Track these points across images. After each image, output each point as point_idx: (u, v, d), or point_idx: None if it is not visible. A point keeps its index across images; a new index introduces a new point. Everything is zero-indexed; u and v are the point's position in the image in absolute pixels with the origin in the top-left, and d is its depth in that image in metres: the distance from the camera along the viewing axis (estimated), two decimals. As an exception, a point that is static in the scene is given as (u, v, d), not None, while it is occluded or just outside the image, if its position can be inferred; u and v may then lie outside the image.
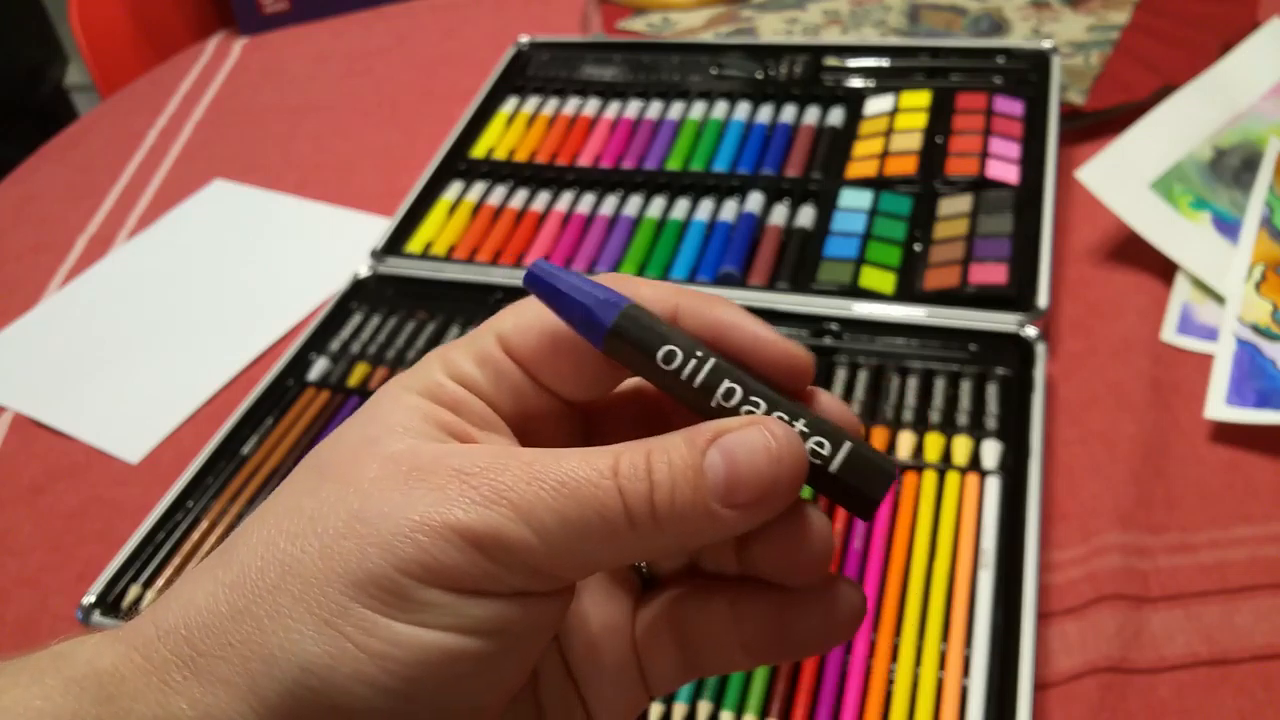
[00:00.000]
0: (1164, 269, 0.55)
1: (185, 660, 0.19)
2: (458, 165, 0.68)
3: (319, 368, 0.57)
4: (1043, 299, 0.51)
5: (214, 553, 0.20)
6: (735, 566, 0.22)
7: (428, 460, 0.19)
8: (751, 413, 0.19)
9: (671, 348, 0.19)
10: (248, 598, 0.19)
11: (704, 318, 0.20)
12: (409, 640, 0.18)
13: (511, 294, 0.59)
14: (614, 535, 0.19)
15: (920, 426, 0.48)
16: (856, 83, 0.68)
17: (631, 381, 0.23)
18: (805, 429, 0.19)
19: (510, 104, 0.73)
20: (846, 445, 0.19)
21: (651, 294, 0.21)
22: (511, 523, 0.18)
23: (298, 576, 0.19)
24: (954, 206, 0.57)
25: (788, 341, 0.20)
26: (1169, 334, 0.52)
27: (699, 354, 0.20)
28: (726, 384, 0.19)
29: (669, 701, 0.39)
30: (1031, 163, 0.59)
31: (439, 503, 0.18)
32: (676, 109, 0.69)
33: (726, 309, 0.20)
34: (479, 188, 0.66)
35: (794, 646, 0.21)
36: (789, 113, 0.67)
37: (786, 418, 0.19)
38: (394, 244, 0.63)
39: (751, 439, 0.19)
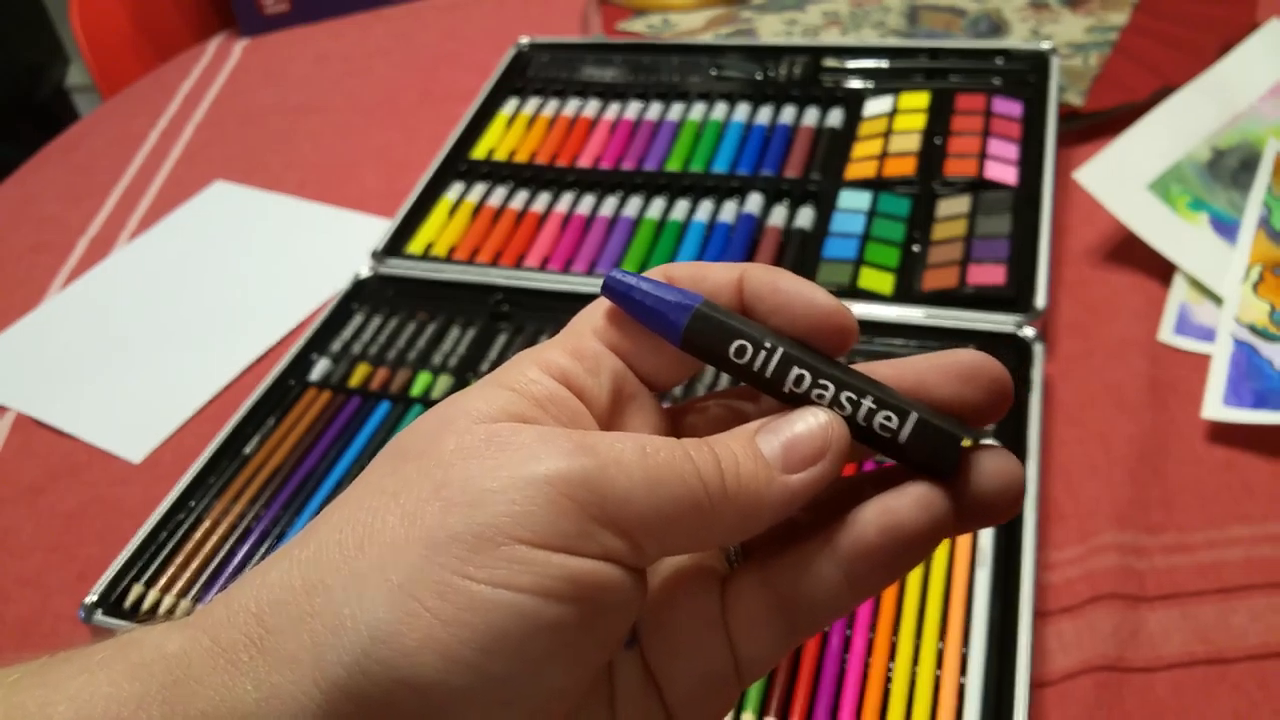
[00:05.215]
0: (1162, 270, 0.55)
1: (254, 640, 0.18)
2: (458, 166, 0.68)
3: (320, 368, 0.57)
4: (1041, 300, 0.51)
5: (295, 537, 0.20)
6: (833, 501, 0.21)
7: (506, 431, 0.19)
8: (822, 395, 0.21)
9: (742, 342, 0.21)
10: (323, 569, 0.18)
11: (763, 278, 0.22)
12: (487, 603, 0.17)
13: (511, 294, 0.59)
14: (694, 503, 0.19)
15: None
16: (855, 84, 0.68)
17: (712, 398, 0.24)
18: (872, 405, 0.20)
19: (510, 105, 0.73)
20: (913, 417, 0.20)
21: (720, 274, 0.22)
22: (601, 470, 0.18)
23: (376, 544, 0.18)
24: (952, 207, 0.58)
25: (835, 303, 0.21)
26: (1166, 334, 0.52)
27: (768, 345, 0.21)
28: (796, 371, 0.21)
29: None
30: (1030, 164, 0.59)
31: (526, 460, 0.18)
32: (676, 110, 0.69)
33: (783, 276, 0.22)
34: (479, 189, 0.66)
35: (902, 547, 0.20)
36: (788, 114, 0.67)
37: (854, 396, 0.20)
38: (395, 245, 0.63)
39: (794, 416, 0.20)
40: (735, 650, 0.21)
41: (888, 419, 0.20)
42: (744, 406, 0.23)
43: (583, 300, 0.23)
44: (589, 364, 0.21)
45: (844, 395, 0.20)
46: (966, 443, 0.21)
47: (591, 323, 0.22)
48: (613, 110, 0.70)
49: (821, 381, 0.21)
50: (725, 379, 0.51)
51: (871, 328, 0.53)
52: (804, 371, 0.21)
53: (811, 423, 0.20)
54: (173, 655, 0.18)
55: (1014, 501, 0.21)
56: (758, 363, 0.21)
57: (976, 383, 0.21)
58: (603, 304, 0.22)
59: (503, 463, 0.18)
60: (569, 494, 0.18)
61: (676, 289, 0.21)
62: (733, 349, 0.21)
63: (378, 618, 0.17)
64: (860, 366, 0.22)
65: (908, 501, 0.20)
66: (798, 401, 0.21)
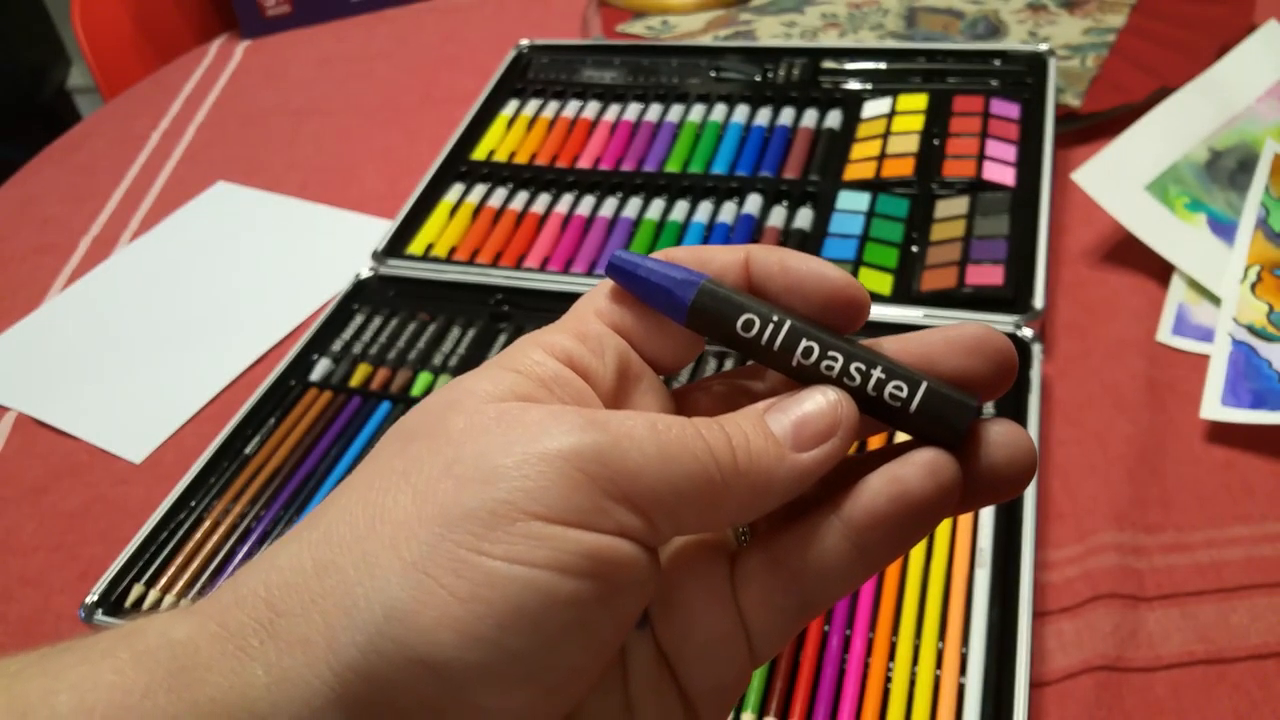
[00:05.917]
0: (1160, 270, 0.55)
1: (263, 624, 0.18)
2: (459, 167, 0.68)
3: (321, 368, 0.57)
4: (1039, 300, 0.51)
5: (303, 520, 0.19)
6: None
7: (516, 409, 0.19)
8: (831, 367, 0.21)
9: (749, 316, 0.21)
10: (334, 550, 0.18)
11: (769, 258, 0.22)
12: (502, 579, 0.17)
13: (511, 295, 0.59)
14: (706, 479, 0.19)
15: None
16: (854, 85, 0.68)
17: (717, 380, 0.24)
18: (882, 375, 0.20)
19: (511, 106, 0.73)
20: (924, 385, 0.20)
21: (725, 255, 0.22)
22: (614, 445, 0.18)
23: (388, 522, 0.18)
24: (951, 208, 0.58)
25: (847, 277, 0.21)
26: (1164, 335, 0.52)
27: (775, 318, 0.21)
28: (804, 343, 0.21)
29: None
30: (1028, 165, 0.59)
31: (538, 435, 0.18)
32: (676, 111, 0.69)
33: (790, 254, 0.22)
34: (480, 190, 0.67)
35: (911, 514, 0.20)
36: (787, 115, 0.67)
37: (864, 367, 0.20)
38: (395, 245, 0.63)
39: (803, 395, 0.20)
40: (748, 628, 0.21)
41: (898, 388, 0.20)
42: (750, 386, 0.23)
43: (583, 300, 0.23)
44: (593, 345, 0.21)
45: (853, 366, 0.20)
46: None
47: (594, 305, 0.22)
48: (612, 112, 0.71)
49: (830, 353, 0.20)
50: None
51: (870, 328, 0.53)
52: (812, 344, 0.20)
53: (821, 401, 0.20)
54: (179, 642, 0.18)
55: (1024, 473, 0.20)
56: (765, 336, 0.21)
57: (983, 355, 0.21)
58: (605, 286, 0.22)
59: (515, 439, 0.18)
60: (583, 469, 0.18)
61: (682, 268, 0.21)
62: (740, 323, 0.21)
63: (392, 596, 0.17)
64: (865, 342, 0.22)
65: (915, 469, 0.20)
66: (806, 374, 0.21)
